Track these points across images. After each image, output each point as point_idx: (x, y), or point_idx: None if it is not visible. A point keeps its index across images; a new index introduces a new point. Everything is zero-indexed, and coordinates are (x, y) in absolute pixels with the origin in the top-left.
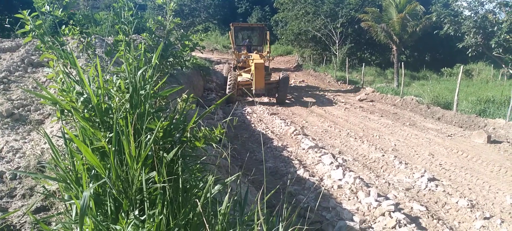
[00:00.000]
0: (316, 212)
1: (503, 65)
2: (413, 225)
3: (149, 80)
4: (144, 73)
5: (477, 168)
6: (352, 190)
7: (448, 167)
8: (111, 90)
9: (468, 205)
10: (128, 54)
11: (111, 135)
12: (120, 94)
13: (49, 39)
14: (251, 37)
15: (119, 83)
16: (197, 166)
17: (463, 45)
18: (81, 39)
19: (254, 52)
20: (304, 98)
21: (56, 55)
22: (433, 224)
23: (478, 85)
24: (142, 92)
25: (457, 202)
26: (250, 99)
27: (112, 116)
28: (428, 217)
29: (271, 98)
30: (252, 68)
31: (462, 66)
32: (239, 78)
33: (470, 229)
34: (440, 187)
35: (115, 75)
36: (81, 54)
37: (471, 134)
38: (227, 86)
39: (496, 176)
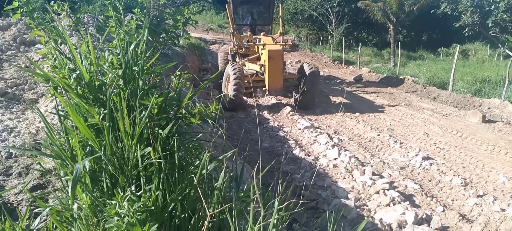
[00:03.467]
0: (312, 190)
1: (500, 45)
2: (407, 202)
3: (142, 55)
4: (136, 48)
5: (471, 147)
6: (347, 169)
7: (443, 146)
8: (104, 66)
9: (461, 183)
10: (119, 30)
11: (105, 111)
12: (113, 70)
13: (38, 16)
14: (255, 14)
15: (111, 59)
16: (193, 143)
17: (460, 25)
18: (71, 15)
19: (262, 33)
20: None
21: (46, 32)
22: (427, 202)
23: (474, 65)
24: (135, 68)
25: (450, 180)
26: (260, 100)
27: (105, 92)
28: (422, 195)
29: (287, 100)
30: (264, 57)
31: (458, 46)
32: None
33: (463, 206)
34: (434, 165)
35: (107, 51)
36: (73, 32)
37: (466, 113)
38: (231, 87)
39: (490, 155)
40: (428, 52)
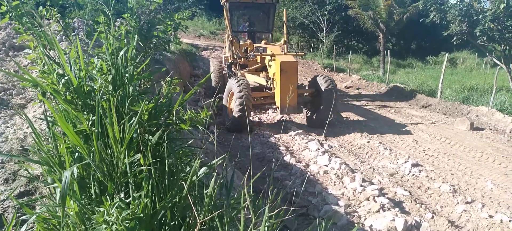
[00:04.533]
0: (302, 197)
1: (487, 54)
2: (397, 209)
3: (131, 61)
4: (126, 54)
5: (459, 154)
6: (337, 176)
7: (432, 153)
8: (93, 72)
9: (450, 190)
10: (109, 35)
11: (94, 117)
12: (102, 76)
13: (27, 21)
14: (254, 19)
15: (100, 64)
16: (184, 150)
17: (448, 33)
18: (60, 21)
19: (263, 42)
20: None
21: (35, 37)
22: (416, 208)
23: (462, 73)
24: (125, 74)
25: (439, 187)
26: (262, 117)
27: (94, 98)
28: (411, 201)
29: (295, 116)
30: (272, 70)
31: (446, 55)
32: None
33: (452, 213)
34: (423, 172)
35: (96, 57)
36: (64, 38)
37: (454, 121)
38: (236, 105)
39: (478, 162)
40: (417, 60)
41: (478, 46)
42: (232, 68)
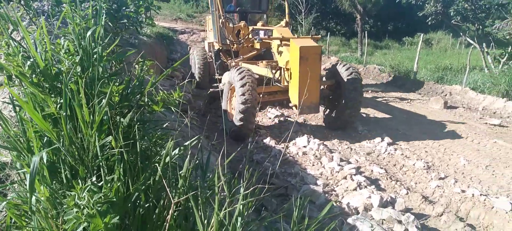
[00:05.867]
0: (282, 177)
1: (461, 34)
2: (373, 186)
3: (100, 41)
4: (93, 34)
5: (433, 132)
6: (316, 156)
7: (406, 132)
8: (60, 53)
9: (424, 166)
10: (75, 14)
11: (62, 100)
12: (70, 57)
13: None
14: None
15: (67, 45)
16: (159, 134)
17: (423, 14)
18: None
19: (260, 24)
20: None
21: None
22: (392, 185)
23: (437, 53)
24: (94, 55)
25: (414, 164)
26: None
27: (62, 80)
28: (387, 179)
29: (308, 117)
30: (284, 58)
31: (422, 35)
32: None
33: (426, 188)
34: (399, 150)
35: (62, 37)
36: (28, 18)
37: (429, 100)
38: (238, 104)
39: (451, 139)
40: (393, 41)
41: (452, 26)
42: (221, 57)
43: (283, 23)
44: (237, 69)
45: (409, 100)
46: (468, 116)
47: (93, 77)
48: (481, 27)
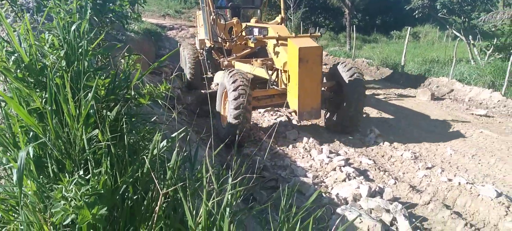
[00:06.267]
0: (272, 170)
1: (448, 27)
2: (362, 177)
3: (85, 35)
4: (78, 28)
5: (421, 124)
6: (305, 149)
7: (394, 124)
8: (45, 47)
9: (411, 157)
10: (60, 8)
11: (47, 95)
12: (54, 52)
13: None
14: None
15: (51, 39)
16: (147, 128)
17: (410, 7)
18: None
19: (253, 20)
20: None
21: None
22: (380, 176)
23: (424, 47)
24: (79, 49)
25: (402, 155)
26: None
27: (47, 74)
28: (375, 170)
29: (311, 121)
30: (282, 59)
31: (409, 29)
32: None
33: (413, 178)
34: (387, 142)
35: (47, 32)
36: (12, 14)
37: (416, 92)
38: (231, 109)
39: (438, 130)
40: (381, 35)
41: (439, 19)
42: (213, 55)
43: (278, 19)
44: (229, 72)
45: (397, 93)
46: (455, 106)
47: (78, 71)
48: (467, 19)
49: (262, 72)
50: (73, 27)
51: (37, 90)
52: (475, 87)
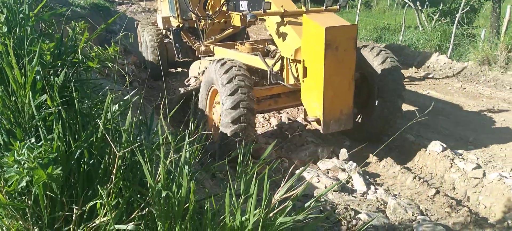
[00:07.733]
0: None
1: None
2: (320, 140)
3: (26, 0)
4: None
5: None
6: (265, 117)
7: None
8: None
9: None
10: None
11: None
12: None
13: None
14: None
15: None
16: (100, 97)
17: None
18: None
19: None
20: None
21: None
22: (337, 139)
23: (376, 15)
24: (20, 14)
25: None
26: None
27: None
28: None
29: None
30: (295, 45)
31: None
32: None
33: None
34: None
35: None
36: None
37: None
38: (225, 114)
39: None
40: (335, 4)
41: None
42: (182, 37)
43: None
44: (218, 61)
45: None
46: (404, 71)
47: (21, 37)
48: None
49: (257, 62)
50: None
51: None
52: (423, 51)
